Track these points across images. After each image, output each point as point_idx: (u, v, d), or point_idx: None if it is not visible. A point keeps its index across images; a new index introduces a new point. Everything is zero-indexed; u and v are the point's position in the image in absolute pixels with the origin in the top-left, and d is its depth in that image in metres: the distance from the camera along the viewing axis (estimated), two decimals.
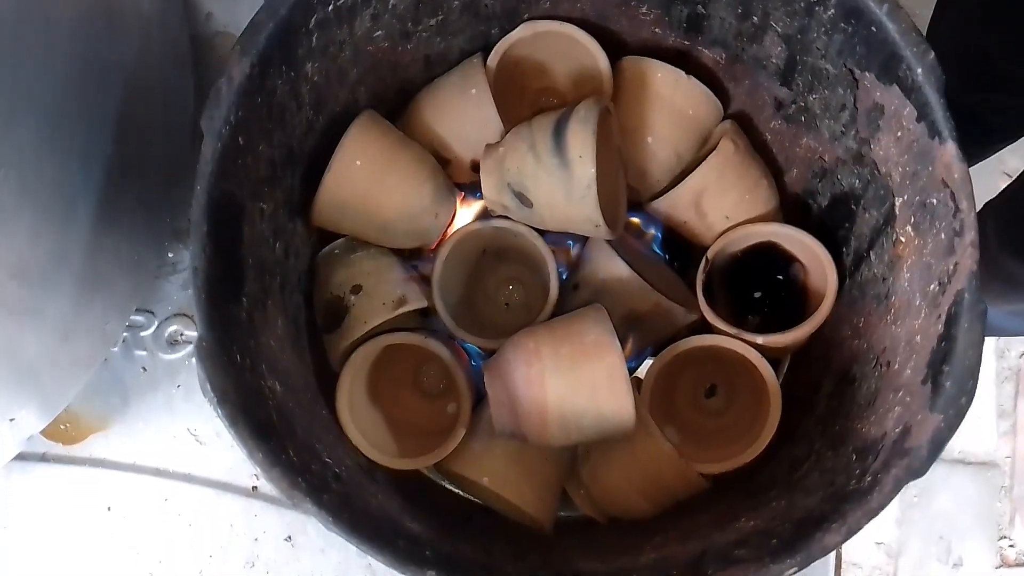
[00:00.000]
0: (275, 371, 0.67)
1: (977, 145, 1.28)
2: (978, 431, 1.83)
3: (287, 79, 0.68)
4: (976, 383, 0.57)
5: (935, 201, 0.62)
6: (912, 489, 1.80)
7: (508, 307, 0.88)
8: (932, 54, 0.61)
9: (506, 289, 0.88)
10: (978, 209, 1.17)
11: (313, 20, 0.66)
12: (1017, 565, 1.88)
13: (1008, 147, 1.40)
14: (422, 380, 0.86)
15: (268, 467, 0.57)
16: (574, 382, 0.69)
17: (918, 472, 0.56)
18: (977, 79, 1.07)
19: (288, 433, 0.62)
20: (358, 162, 0.75)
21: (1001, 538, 1.89)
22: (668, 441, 0.79)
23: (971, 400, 0.56)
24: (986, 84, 1.07)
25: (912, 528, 1.82)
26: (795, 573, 0.55)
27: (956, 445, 1.79)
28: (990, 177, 1.89)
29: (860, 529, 0.56)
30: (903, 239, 0.68)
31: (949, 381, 0.57)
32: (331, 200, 0.75)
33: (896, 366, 0.65)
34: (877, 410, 0.65)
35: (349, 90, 0.78)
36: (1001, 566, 1.86)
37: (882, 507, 0.56)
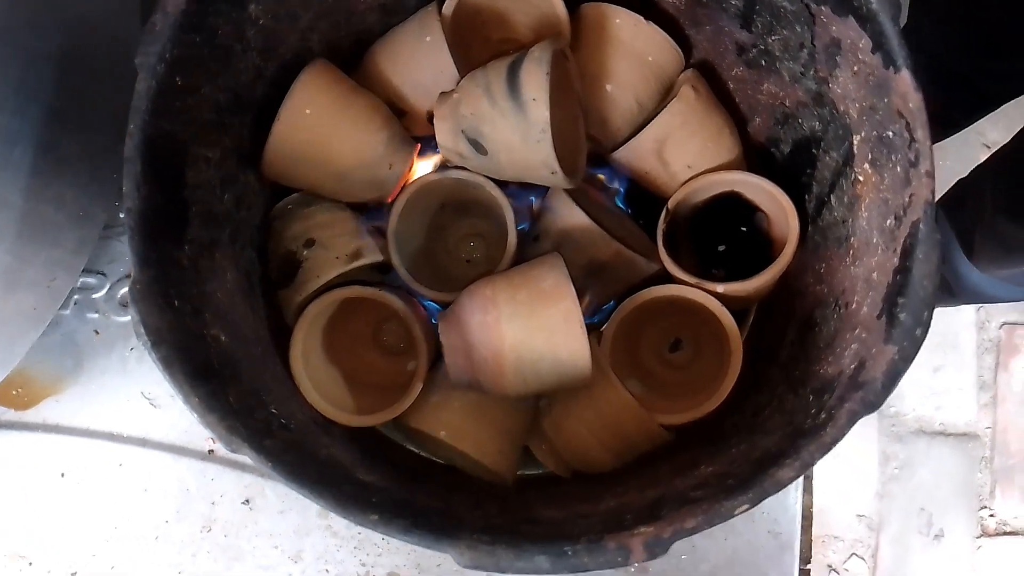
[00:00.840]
0: (222, 320, 0.65)
1: (963, 112, 1.27)
2: (959, 403, 1.83)
3: (229, 18, 0.66)
4: (932, 314, 0.56)
5: (891, 134, 0.61)
6: (893, 462, 1.79)
7: (469, 263, 0.86)
8: None
9: (467, 244, 0.86)
10: (967, 175, 1.16)
11: None
12: (997, 535, 1.88)
13: (987, 118, 1.40)
14: (383, 337, 0.84)
15: (204, 411, 0.55)
16: (531, 327, 0.68)
17: (873, 405, 0.55)
18: (974, 44, 1.06)
19: (231, 379, 0.61)
20: (308, 110, 0.73)
21: (981, 508, 1.89)
22: (630, 392, 0.77)
23: (927, 331, 0.55)
24: (983, 49, 1.06)
25: (893, 501, 1.82)
26: (747, 509, 0.54)
27: (937, 417, 1.79)
28: (971, 149, 1.88)
29: (814, 463, 0.55)
30: (861, 178, 0.66)
31: (904, 313, 0.56)
32: (281, 150, 0.73)
33: (854, 306, 0.64)
34: (835, 350, 0.64)
35: (300, 36, 0.76)
36: (982, 536, 1.86)
37: (836, 441, 0.55)
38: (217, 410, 0.55)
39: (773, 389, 0.72)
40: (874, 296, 0.61)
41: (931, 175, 0.57)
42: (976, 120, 1.39)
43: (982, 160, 1.17)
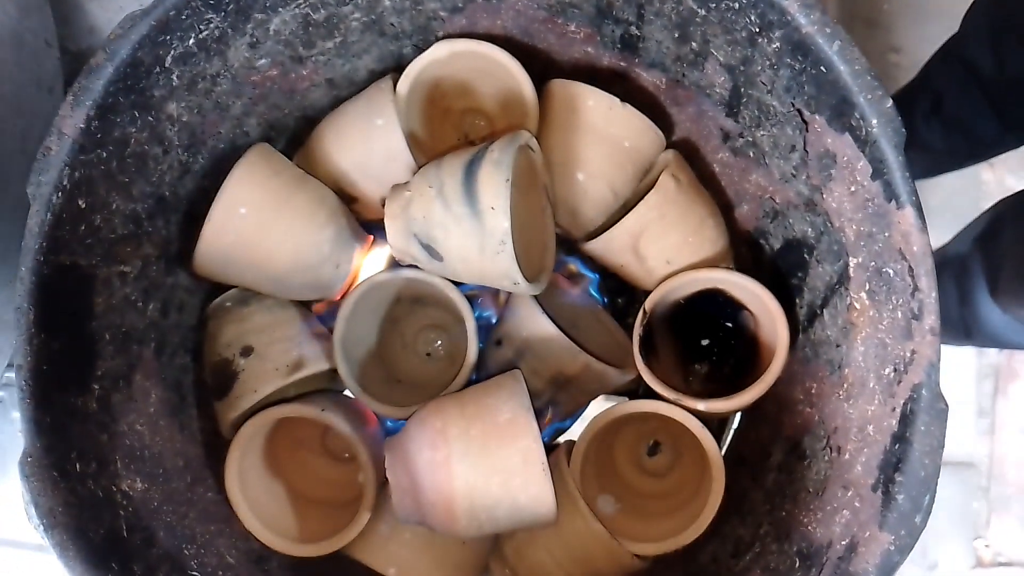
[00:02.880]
0: (136, 462, 0.58)
1: (988, 144, 1.17)
2: (956, 430, 1.76)
3: (143, 124, 0.58)
4: (933, 498, 0.49)
5: (891, 272, 0.54)
6: None
7: (429, 357, 0.79)
8: (889, 103, 0.51)
9: (427, 336, 0.79)
10: (999, 202, 1.08)
11: (169, 57, 0.56)
12: (993, 565, 1.83)
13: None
14: (330, 443, 0.77)
15: None
16: (485, 469, 0.61)
17: None
18: None
19: (142, 545, 0.54)
20: (242, 209, 0.65)
21: (977, 538, 1.84)
22: (600, 514, 0.71)
23: (926, 519, 0.48)
24: None
25: None
26: None
27: None
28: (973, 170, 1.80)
29: None
30: (858, 305, 0.59)
31: (902, 494, 0.49)
32: (212, 253, 0.66)
33: (847, 456, 0.57)
34: (825, 506, 0.57)
35: (234, 123, 0.68)
36: (977, 566, 1.82)
37: None
38: None
39: (757, 525, 0.65)
40: (868, 456, 0.54)
41: (936, 332, 0.50)
42: (998, 154, 1.29)
43: (984, 177, 1.07)
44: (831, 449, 0.60)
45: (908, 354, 0.52)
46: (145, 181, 0.61)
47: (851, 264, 0.59)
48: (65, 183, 0.52)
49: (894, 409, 0.52)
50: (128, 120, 0.56)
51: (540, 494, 0.60)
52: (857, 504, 0.53)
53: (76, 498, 0.50)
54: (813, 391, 0.66)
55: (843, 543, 0.52)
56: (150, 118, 0.58)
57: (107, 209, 0.57)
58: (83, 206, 0.54)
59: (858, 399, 0.58)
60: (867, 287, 0.57)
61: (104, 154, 0.55)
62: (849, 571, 0.49)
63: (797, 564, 0.56)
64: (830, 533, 0.54)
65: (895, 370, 0.53)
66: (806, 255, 0.67)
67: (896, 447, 0.51)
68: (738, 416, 0.80)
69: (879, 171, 0.53)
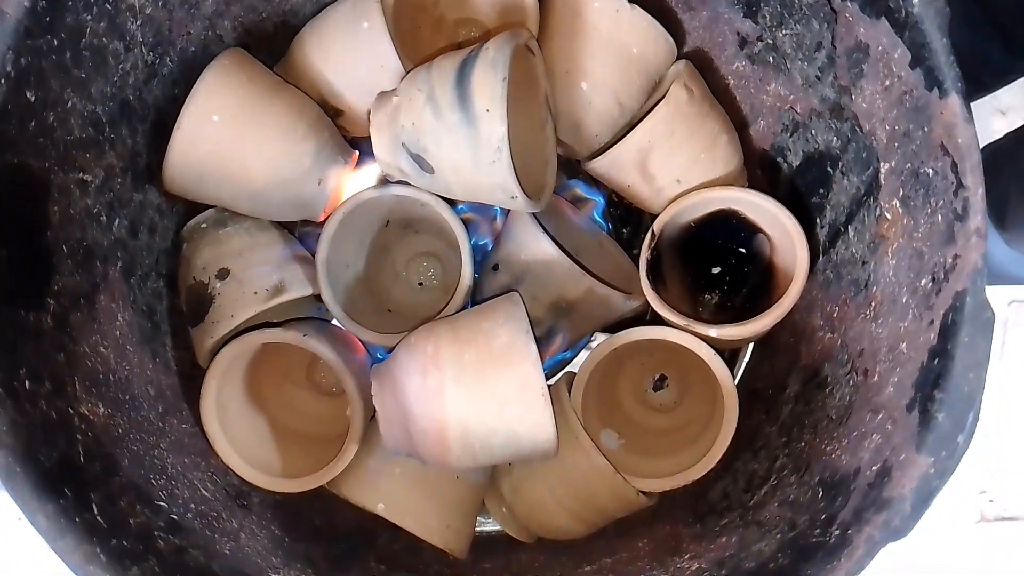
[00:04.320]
0: (98, 386, 0.53)
1: (996, 73, 1.11)
2: None
3: (100, 12, 0.52)
4: (977, 416, 0.44)
5: (931, 171, 0.48)
6: None
7: (422, 286, 0.74)
8: None
9: (419, 265, 0.74)
10: (1002, 138, 1.03)
11: None
12: (996, 520, 1.80)
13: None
14: (317, 375, 0.72)
15: (53, 536, 0.43)
16: (480, 396, 0.56)
17: (898, 532, 0.44)
18: None
19: (100, 475, 0.49)
20: (215, 117, 0.60)
21: (981, 492, 1.81)
22: (604, 448, 0.66)
23: (970, 439, 0.44)
24: None
25: None
26: None
27: None
28: (985, 114, 1.74)
29: None
30: (888, 215, 0.54)
31: (942, 412, 0.44)
32: (183, 164, 0.60)
33: (875, 377, 0.52)
34: (851, 431, 0.53)
35: (205, 24, 0.62)
36: (981, 521, 1.79)
37: None
38: (70, 532, 0.44)
39: (772, 458, 0.61)
40: (902, 375, 0.49)
41: (981, 234, 0.45)
42: (1007, 82, 1.22)
43: (996, 127, 1.03)
44: (856, 373, 0.55)
45: (949, 260, 0.46)
46: (105, 80, 0.55)
47: (882, 170, 0.54)
48: (9, 70, 0.46)
49: (931, 322, 0.47)
50: (82, 5, 0.50)
51: (539, 423, 0.55)
52: (889, 427, 0.48)
53: (24, 418, 0.45)
54: (835, 315, 0.61)
55: (873, 468, 0.47)
56: (108, 5, 0.52)
57: (61, 106, 0.52)
58: (32, 99, 0.49)
59: (888, 317, 0.53)
60: (900, 193, 0.52)
61: (55, 42, 0.49)
62: (882, 497, 0.45)
63: (820, 494, 0.51)
64: (857, 460, 0.50)
65: (933, 280, 0.48)
66: (829, 168, 0.62)
67: (935, 362, 0.46)
68: (749, 350, 0.75)
69: (920, 57, 0.47)
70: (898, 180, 0.52)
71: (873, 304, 0.55)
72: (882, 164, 0.54)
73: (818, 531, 0.48)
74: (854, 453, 0.51)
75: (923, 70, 0.47)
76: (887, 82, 0.51)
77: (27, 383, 0.47)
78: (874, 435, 0.49)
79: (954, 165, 0.46)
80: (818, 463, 0.54)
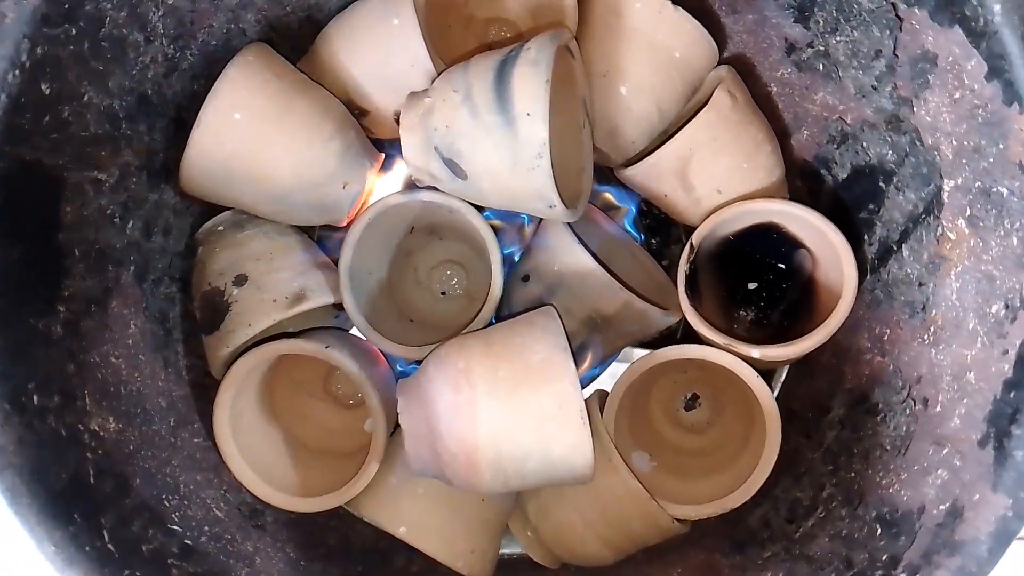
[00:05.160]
0: (110, 399, 0.50)
1: None
2: None
3: (121, 1, 0.49)
4: None
5: (1005, 191, 0.46)
6: None
7: (445, 296, 0.71)
8: None
9: (442, 273, 0.71)
10: None
11: None
12: None
13: None
14: (334, 386, 0.69)
15: (63, 565, 0.40)
16: (515, 414, 0.53)
17: None
18: None
19: (113, 494, 0.46)
20: (237, 115, 0.57)
21: None
22: (636, 470, 0.63)
23: None
24: None
25: None
26: None
27: None
28: None
29: None
30: (952, 235, 0.51)
31: (1021, 449, 0.41)
32: (203, 164, 0.57)
33: (938, 408, 0.49)
34: (910, 464, 0.50)
35: (229, 16, 0.59)
36: None
37: None
38: (80, 562, 0.40)
39: (817, 484, 0.58)
40: (971, 407, 0.46)
41: None
42: None
43: None
44: (914, 401, 0.52)
45: None
46: (124, 73, 0.52)
47: (946, 187, 0.51)
48: (24, 60, 0.43)
49: (1006, 352, 0.44)
50: None
51: (577, 445, 0.52)
52: (958, 463, 0.45)
53: (33, 435, 0.42)
54: (886, 338, 0.58)
55: (942, 508, 0.44)
56: None
57: (78, 101, 0.48)
58: (47, 92, 0.45)
59: (951, 343, 0.50)
60: (968, 212, 0.49)
61: (74, 31, 0.46)
62: (954, 540, 0.42)
63: (879, 531, 0.48)
64: (920, 496, 0.47)
65: (1006, 306, 0.45)
66: (882, 183, 0.59)
67: (1011, 395, 0.43)
68: (786, 369, 0.72)
69: (997, 69, 0.44)
70: (965, 198, 0.49)
71: (932, 328, 0.52)
72: (946, 181, 0.51)
73: (880, 572, 0.45)
74: (916, 488, 0.47)
75: (1001, 83, 0.44)
76: (956, 94, 0.48)
77: (36, 397, 0.43)
78: (939, 470, 0.46)
79: None
80: (873, 496, 0.51)
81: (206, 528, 0.52)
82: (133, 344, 0.55)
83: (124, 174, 0.55)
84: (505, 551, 0.69)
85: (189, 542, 0.49)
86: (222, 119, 0.56)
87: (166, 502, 0.50)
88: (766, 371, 0.72)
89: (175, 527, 0.49)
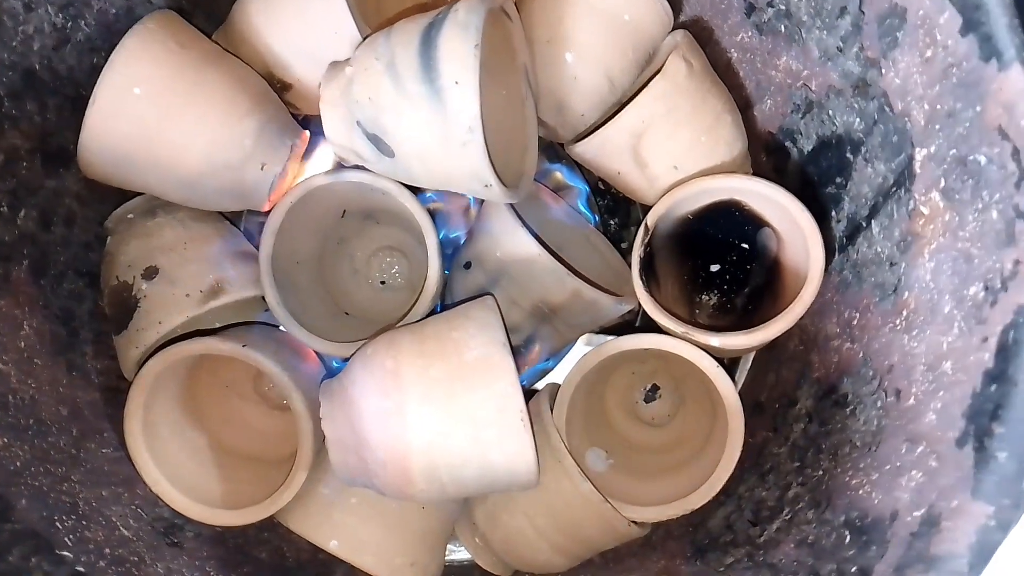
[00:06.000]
0: None
1: None
2: None
3: None
4: None
5: (983, 159, 0.41)
6: None
7: (384, 285, 0.66)
8: None
9: (382, 261, 0.65)
10: None
11: None
12: None
13: None
14: (264, 387, 0.64)
15: None
16: (449, 419, 0.48)
17: None
18: None
19: None
20: (137, 89, 0.51)
21: None
22: (590, 471, 0.59)
23: None
24: None
25: None
26: None
27: None
28: None
29: None
30: (925, 209, 0.46)
31: (1004, 450, 0.37)
32: (101, 146, 0.51)
33: (911, 400, 0.45)
34: (881, 463, 0.45)
35: None
36: None
37: None
38: None
39: (783, 483, 0.53)
40: (947, 400, 0.41)
41: None
42: None
43: None
44: (885, 393, 0.47)
45: (1008, 266, 0.39)
46: (1, 45, 0.46)
47: (917, 157, 0.46)
48: None
49: (985, 339, 0.40)
50: None
51: (518, 450, 0.47)
52: (933, 463, 0.40)
53: None
54: (855, 323, 0.53)
55: (916, 514, 0.40)
56: None
57: None
58: None
59: (925, 329, 0.45)
60: (942, 184, 0.44)
61: None
62: (930, 553, 0.37)
63: (848, 538, 0.43)
64: (892, 500, 0.42)
65: (986, 288, 0.40)
66: (849, 154, 0.54)
67: (992, 388, 0.38)
68: (751, 357, 0.68)
69: (973, 22, 0.39)
70: (939, 169, 0.44)
71: (905, 312, 0.47)
72: (917, 150, 0.46)
73: None
74: (888, 491, 0.43)
75: (976, 37, 0.39)
76: (928, 52, 0.43)
77: None
78: (913, 471, 0.42)
79: (1016, 152, 0.38)
80: (842, 498, 0.47)
81: (107, 551, 0.46)
82: (26, 347, 0.50)
83: (12, 159, 0.49)
84: (455, 557, 0.64)
85: (82, 568, 0.44)
86: (120, 95, 0.51)
87: (58, 524, 0.45)
88: (732, 360, 0.68)
89: (66, 552, 0.43)
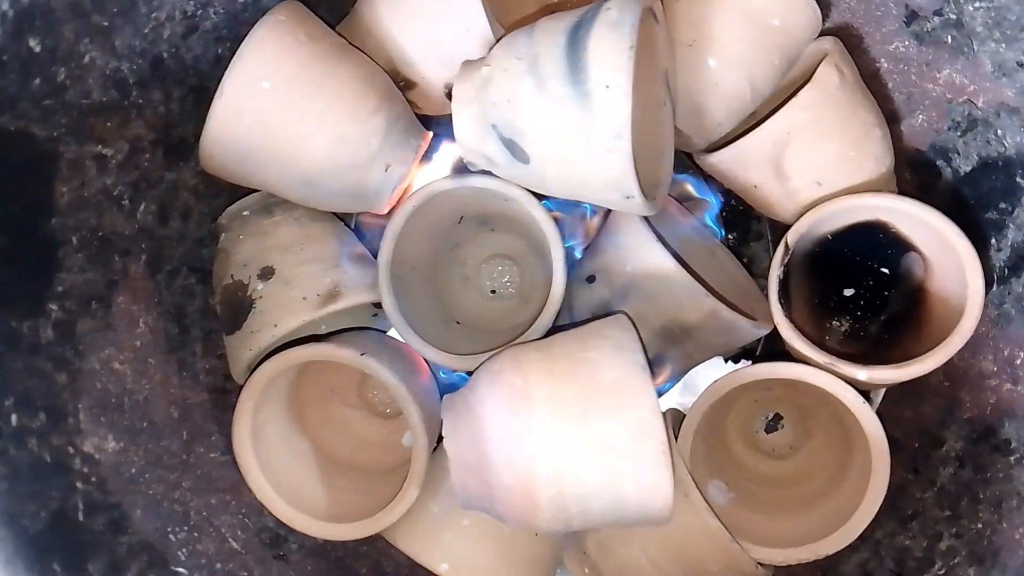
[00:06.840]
0: (110, 413, 0.43)
1: None
2: None
3: None
4: None
5: None
6: None
7: (495, 295, 0.63)
8: None
9: (493, 269, 0.63)
10: None
11: None
12: None
13: None
14: (370, 393, 0.62)
15: None
16: (581, 445, 0.44)
17: None
18: None
19: (107, 532, 0.38)
20: (266, 83, 0.49)
21: None
22: (713, 504, 0.55)
23: None
24: None
25: None
26: None
27: None
28: None
29: None
30: None
31: None
32: (225, 140, 0.49)
33: None
34: None
35: None
36: None
37: None
38: None
39: (932, 532, 0.49)
40: None
41: None
42: None
43: None
44: None
45: None
46: (134, 31, 0.44)
47: None
48: (6, 8, 0.36)
49: None
50: None
51: (655, 484, 0.44)
52: None
53: (6, 466, 0.34)
54: (1017, 362, 0.49)
55: None
56: None
57: (76, 61, 0.41)
58: (36, 49, 0.38)
59: None
60: None
61: None
62: None
63: None
64: None
65: None
66: (1019, 177, 0.49)
67: None
68: (883, 389, 0.63)
69: None
70: None
71: None
72: None
73: None
74: None
75: None
76: None
77: (14, 417, 0.36)
78: None
79: None
80: (1012, 557, 0.42)
81: (218, 566, 0.45)
82: (142, 346, 0.48)
83: (136, 149, 0.48)
84: None
85: None
86: (248, 88, 0.48)
87: (171, 536, 0.43)
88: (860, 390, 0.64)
89: (180, 568, 0.41)
